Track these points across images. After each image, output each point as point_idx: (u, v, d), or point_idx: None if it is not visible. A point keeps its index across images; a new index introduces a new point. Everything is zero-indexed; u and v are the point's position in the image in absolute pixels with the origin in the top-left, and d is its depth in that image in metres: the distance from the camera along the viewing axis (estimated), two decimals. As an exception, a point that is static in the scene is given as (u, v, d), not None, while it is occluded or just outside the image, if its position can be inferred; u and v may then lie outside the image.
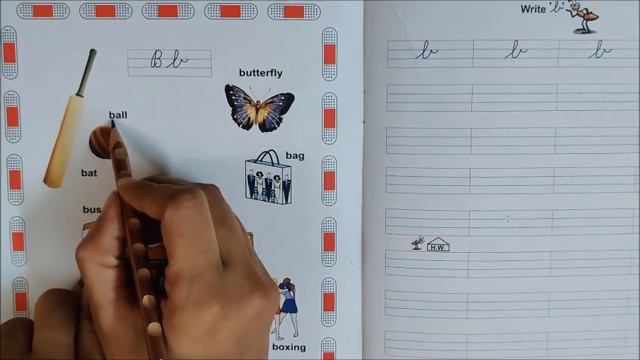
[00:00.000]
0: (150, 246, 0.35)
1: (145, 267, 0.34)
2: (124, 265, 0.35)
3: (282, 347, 0.42)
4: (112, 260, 0.35)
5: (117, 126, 0.40)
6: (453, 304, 0.41)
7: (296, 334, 0.42)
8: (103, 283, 0.34)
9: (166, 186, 0.35)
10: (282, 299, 0.41)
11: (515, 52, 0.39)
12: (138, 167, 0.40)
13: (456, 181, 0.40)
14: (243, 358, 0.34)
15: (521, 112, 0.40)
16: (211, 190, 0.36)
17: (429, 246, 0.41)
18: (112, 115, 0.39)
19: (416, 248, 0.41)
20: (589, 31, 0.39)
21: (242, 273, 0.34)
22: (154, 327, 0.33)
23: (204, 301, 0.32)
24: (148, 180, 0.37)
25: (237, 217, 0.37)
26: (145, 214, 0.35)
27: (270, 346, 0.40)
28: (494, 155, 0.40)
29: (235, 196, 0.40)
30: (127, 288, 0.35)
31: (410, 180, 0.40)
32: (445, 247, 0.41)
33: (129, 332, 0.34)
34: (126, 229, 0.35)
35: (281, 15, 0.39)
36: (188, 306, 0.32)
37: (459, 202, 0.40)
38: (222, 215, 0.35)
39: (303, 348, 0.42)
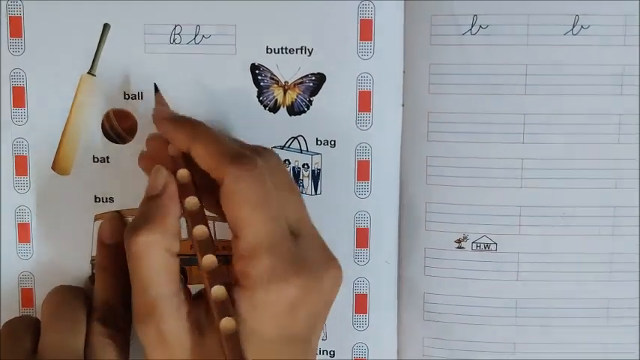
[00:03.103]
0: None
1: (212, 253, 0.32)
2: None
3: (309, 351, 0.41)
4: (177, 247, 0.33)
5: (131, 108, 0.39)
6: (500, 309, 0.40)
7: (324, 338, 0.41)
8: (168, 273, 0.32)
9: (225, 142, 0.33)
10: (311, 299, 0.41)
11: (576, 29, 0.38)
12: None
13: (505, 172, 0.39)
14: (313, 338, 0.34)
15: (582, 97, 0.39)
16: (276, 156, 0.35)
17: (474, 245, 0.40)
18: (126, 97, 0.39)
19: (459, 247, 0.40)
20: (660, 6, 0.39)
21: (315, 244, 0.34)
22: (228, 323, 0.31)
23: (289, 274, 0.31)
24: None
25: None
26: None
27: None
28: (549, 144, 0.39)
29: (260, 186, 0.40)
30: (182, 281, 0.33)
31: (453, 171, 0.39)
32: (492, 247, 0.40)
33: (191, 331, 0.32)
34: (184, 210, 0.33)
35: (313, -14, 0.38)
36: (273, 279, 0.31)
37: (508, 197, 0.39)
38: (290, 182, 0.35)
39: (332, 353, 0.41)
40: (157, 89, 0.38)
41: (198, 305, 0.33)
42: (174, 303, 0.32)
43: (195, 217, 0.33)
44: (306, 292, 0.32)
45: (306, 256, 0.32)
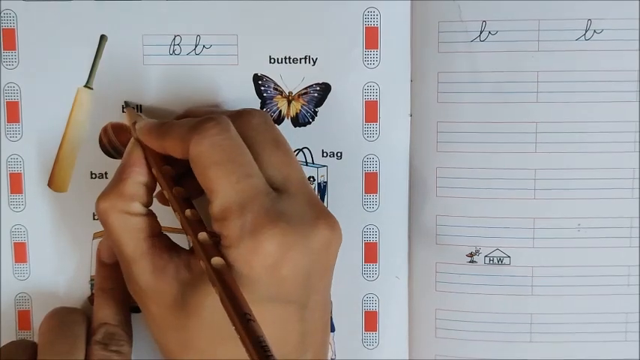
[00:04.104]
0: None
1: (190, 208, 0.32)
2: (154, 216, 0.34)
3: (317, 370, 0.40)
4: (139, 207, 0.33)
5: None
6: (515, 325, 0.39)
7: (333, 357, 0.40)
8: (132, 232, 0.33)
9: (187, 120, 0.33)
10: (318, 316, 0.40)
11: (589, 34, 0.38)
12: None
13: (518, 183, 0.39)
14: (309, 301, 0.32)
15: (596, 104, 0.38)
16: (261, 114, 0.34)
17: (487, 259, 0.39)
18: (124, 110, 0.38)
19: (471, 261, 0.39)
20: (676, 9, 0.38)
21: (302, 200, 0.32)
22: (215, 260, 0.30)
23: (263, 228, 0.30)
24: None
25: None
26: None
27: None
28: (563, 154, 0.38)
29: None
30: (160, 238, 0.33)
31: (464, 182, 0.39)
32: (505, 260, 0.39)
33: (170, 284, 0.32)
34: (158, 175, 0.33)
35: (316, -7, 0.38)
36: (244, 236, 0.30)
37: (521, 209, 0.39)
38: (275, 139, 0.34)
39: (341, 372, 0.40)
40: (126, 105, 0.37)
41: (180, 260, 0.32)
42: (146, 261, 0.32)
43: (169, 181, 0.33)
44: (287, 247, 0.30)
45: (288, 211, 0.31)
